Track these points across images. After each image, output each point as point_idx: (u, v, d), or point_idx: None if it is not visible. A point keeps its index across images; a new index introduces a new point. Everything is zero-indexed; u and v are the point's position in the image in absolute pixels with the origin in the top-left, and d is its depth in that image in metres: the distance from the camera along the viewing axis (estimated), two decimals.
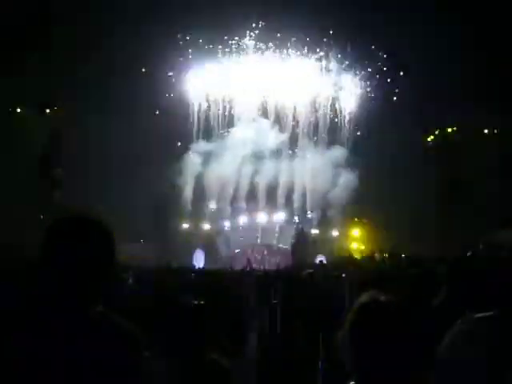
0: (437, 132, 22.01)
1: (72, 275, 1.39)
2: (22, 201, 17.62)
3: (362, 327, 1.48)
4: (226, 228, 25.62)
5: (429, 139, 22.68)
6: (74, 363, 1.31)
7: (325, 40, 23.68)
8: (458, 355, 1.65)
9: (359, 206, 22.90)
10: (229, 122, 26.36)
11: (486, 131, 20.67)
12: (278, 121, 26.04)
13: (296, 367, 4.88)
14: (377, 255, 15.21)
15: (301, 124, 26.03)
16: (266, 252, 23.42)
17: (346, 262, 11.94)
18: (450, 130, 21.13)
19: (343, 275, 7.58)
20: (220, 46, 24.78)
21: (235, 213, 25.52)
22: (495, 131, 20.00)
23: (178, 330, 2.26)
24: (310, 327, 5.10)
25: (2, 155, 17.48)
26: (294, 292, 6.13)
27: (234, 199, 25.19)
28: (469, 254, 4.01)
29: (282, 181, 24.76)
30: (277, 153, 25.43)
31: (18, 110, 20.81)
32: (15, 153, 18.38)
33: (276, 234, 24.75)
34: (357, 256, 17.14)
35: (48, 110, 21.47)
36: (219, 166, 24.67)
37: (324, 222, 24.85)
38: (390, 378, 1.44)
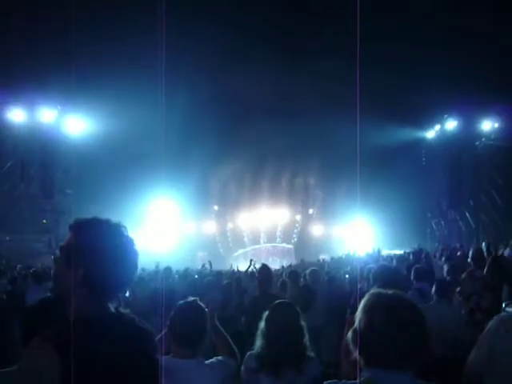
0: (437, 128, 21.89)
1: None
2: None
3: (372, 322, 1.43)
4: (229, 228, 25.61)
5: (429, 135, 22.56)
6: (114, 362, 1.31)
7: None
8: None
9: (363, 203, 22.80)
10: (235, 121, 26.17)
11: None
12: (285, 120, 25.94)
13: None
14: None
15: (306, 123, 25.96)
16: (269, 251, 23.38)
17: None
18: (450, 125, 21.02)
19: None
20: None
21: (239, 213, 25.49)
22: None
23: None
24: None
25: None
26: None
27: (237, 199, 25.14)
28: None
29: (286, 179, 24.69)
30: (281, 151, 25.35)
31: None
32: None
33: (279, 233, 24.73)
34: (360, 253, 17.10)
35: None
36: (223, 166, 24.62)
37: (327, 220, 24.82)
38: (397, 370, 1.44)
